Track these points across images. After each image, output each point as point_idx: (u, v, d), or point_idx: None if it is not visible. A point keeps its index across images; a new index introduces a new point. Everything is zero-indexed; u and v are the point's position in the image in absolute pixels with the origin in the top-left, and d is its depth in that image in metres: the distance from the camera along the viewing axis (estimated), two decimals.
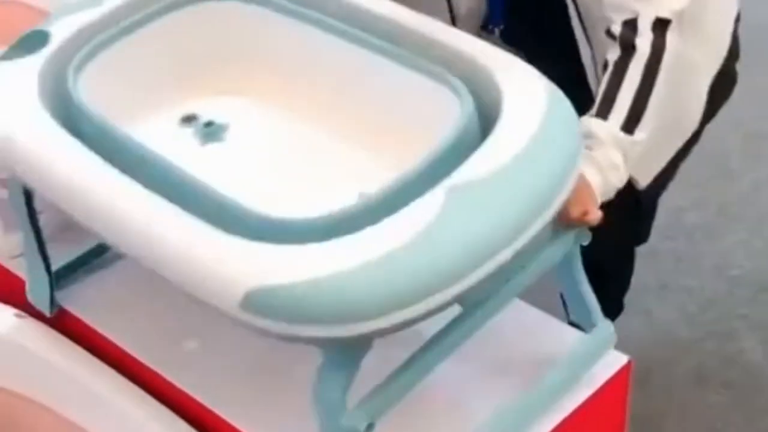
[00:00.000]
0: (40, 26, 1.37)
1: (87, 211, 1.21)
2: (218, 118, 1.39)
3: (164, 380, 1.39)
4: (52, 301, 1.47)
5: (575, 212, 1.27)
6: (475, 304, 1.22)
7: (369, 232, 1.12)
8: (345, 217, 1.13)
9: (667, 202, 1.80)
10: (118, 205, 1.18)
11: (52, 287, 1.46)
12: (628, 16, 1.41)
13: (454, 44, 1.29)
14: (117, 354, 1.44)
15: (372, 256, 1.09)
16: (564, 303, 1.41)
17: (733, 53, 1.65)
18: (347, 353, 1.14)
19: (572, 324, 1.38)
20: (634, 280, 1.89)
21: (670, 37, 1.41)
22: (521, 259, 1.17)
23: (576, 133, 1.20)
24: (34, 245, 1.42)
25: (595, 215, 1.30)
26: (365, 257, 1.09)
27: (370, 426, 1.16)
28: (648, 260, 2.06)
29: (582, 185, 1.28)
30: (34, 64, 1.32)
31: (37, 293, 1.48)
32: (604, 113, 1.39)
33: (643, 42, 1.40)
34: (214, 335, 1.41)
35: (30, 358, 1.46)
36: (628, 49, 1.40)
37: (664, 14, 1.41)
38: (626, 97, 1.39)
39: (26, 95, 1.28)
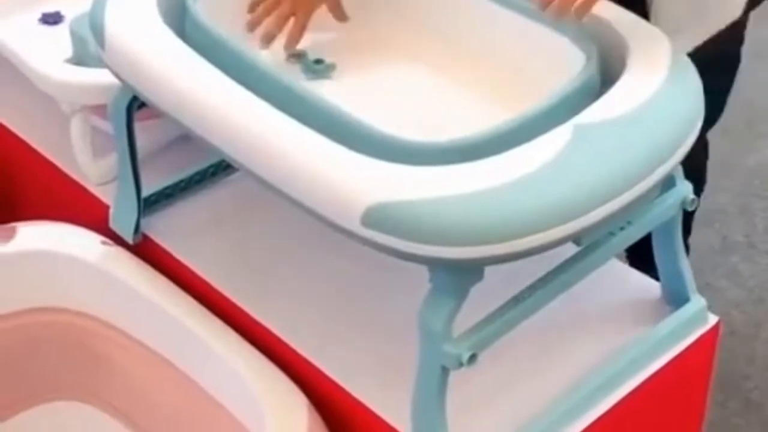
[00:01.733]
0: None
1: (208, 125, 1.21)
2: (327, 57, 1.39)
3: (244, 312, 1.39)
4: (137, 228, 1.47)
5: None
6: (587, 247, 1.21)
7: (494, 160, 1.12)
8: (470, 144, 1.13)
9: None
10: (241, 119, 1.18)
11: (140, 215, 1.46)
12: None
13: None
14: (198, 284, 1.43)
15: (495, 182, 1.09)
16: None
17: None
18: (458, 279, 1.13)
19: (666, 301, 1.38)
20: (718, 238, 1.89)
21: None
22: (633, 210, 1.17)
23: (697, 92, 1.21)
24: (129, 170, 1.42)
25: None
26: (488, 182, 1.09)
27: (473, 357, 1.15)
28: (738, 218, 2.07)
29: None
30: None
31: (122, 220, 1.47)
32: None
33: None
34: (298, 269, 1.42)
35: (114, 285, 1.46)
36: None
37: None
38: None
39: (147, 8, 1.29)
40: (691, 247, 1.73)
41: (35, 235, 1.53)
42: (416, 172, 1.11)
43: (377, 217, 1.09)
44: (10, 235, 1.52)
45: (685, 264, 1.35)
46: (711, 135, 1.67)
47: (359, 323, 1.37)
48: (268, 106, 1.19)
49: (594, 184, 1.10)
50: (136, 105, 1.36)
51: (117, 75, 1.30)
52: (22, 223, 1.55)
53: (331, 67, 1.38)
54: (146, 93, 1.27)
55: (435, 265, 1.12)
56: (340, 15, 1.41)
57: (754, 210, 2.25)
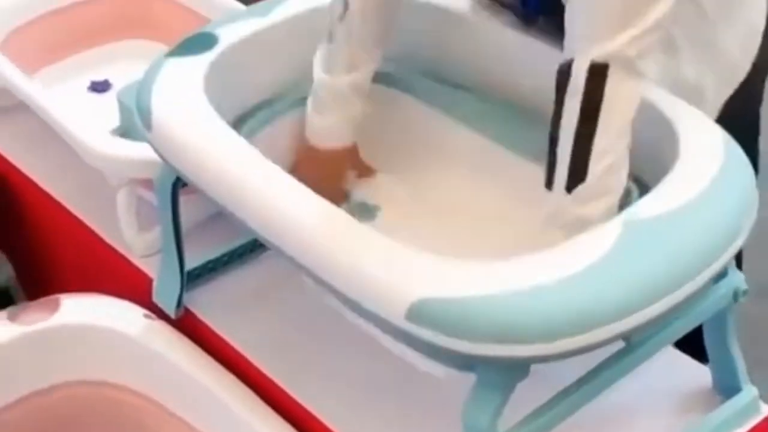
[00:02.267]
0: (207, 28, 1.40)
1: (256, 216, 1.20)
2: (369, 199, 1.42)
3: (282, 391, 1.37)
4: (179, 303, 1.47)
5: None
6: (637, 342, 1.18)
7: (542, 256, 1.10)
8: None
9: None
10: (287, 210, 1.17)
11: (182, 289, 1.46)
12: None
13: None
14: (238, 360, 1.42)
15: (543, 280, 1.07)
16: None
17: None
18: (504, 376, 1.11)
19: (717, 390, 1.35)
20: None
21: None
22: (684, 307, 1.13)
23: (751, 183, 1.18)
24: (173, 246, 1.42)
25: None
26: (536, 280, 1.07)
27: None
28: None
29: None
30: (201, 63, 1.33)
31: (166, 294, 1.47)
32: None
33: None
34: (337, 348, 1.40)
35: (155, 359, 1.46)
36: None
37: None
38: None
39: (194, 92, 1.29)
40: (746, 319, 1.70)
41: (78, 308, 1.53)
42: (463, 267, 1.10)
43: (422, 312, 1.06)
44: (54, 308, 1.52)
45: (737, 353, 1.31)
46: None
47: (399, 405, 1.35)
48: (314, 195, 1.18)
49: (644, 282, 1.08)
50: (180, 183, 1.36)
51: (162, 157, 1.30)
52: (65, 296, 1.55)
53: (377, 208, 1.40)
54: (191, 177, 1.27)
55: (478, 362, 1.10)
56: (367, 172, 1.43)
57: None
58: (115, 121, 1.65)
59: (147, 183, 1.55)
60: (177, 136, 1.26)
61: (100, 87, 1.93)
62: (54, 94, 1.79)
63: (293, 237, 1.17)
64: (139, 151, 1.53)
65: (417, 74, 1.46)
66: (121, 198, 1.59)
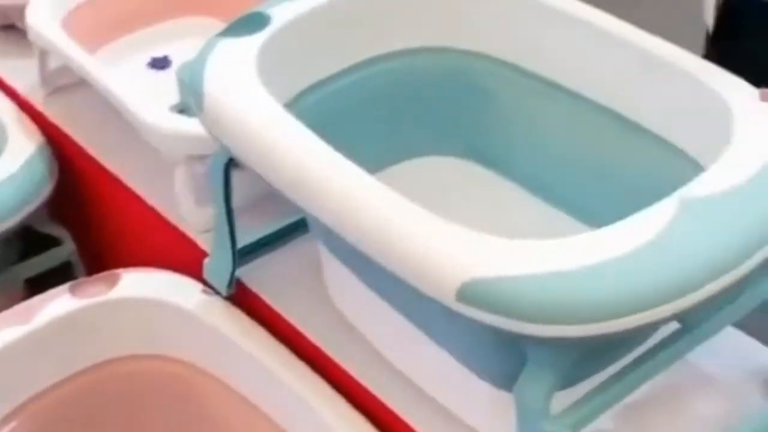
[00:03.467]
0: (260, 8, 1.38)
1: (308, 194, 1.20)
2: None
3: (338, 366, 1.38)
4: (231, 281, 1.48)
5: None
6: (693, 323, 1.17)
7: (594, 235, 1.09)
8: None
9: None
10: (338, 187, 1.17)
11: (234, 267, 1.46)
12: None
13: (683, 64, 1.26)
14: (294, 335, 1.43)
15: (595, 259, 1.05)
16: None
17: None
18: (557, 355, 1.10)
19: None
20: None
21: None
22: (742, 286, 1.10)
23: None
24: (225, 224, 1.42)
25: None
26: (588, 259, 1.05)
27: None
28: None
29: None
30: (254, 43, 1.33)
31: (217, 274, 1.48)
32: None
33: None
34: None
35: (212, 334, 1.47)
36: None
37: None
38: None
39: (246, 73, 1.29)
40: None
41: (137, 282, 1.55)
42: (513, 246, 1.08)
43: (472, 293, 1.06)
44: (114, 282, 1.54)
45: None
46: None
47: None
48: (365, 174, 1.18)
49: (701, 261, 1.06)
50: (233, 163, 1.36)
51: (215, 138, 1.30)
52: (124, 270, 1.57)
53: None
54: (244, 158, 1.27)
55: (530, 342, 1.09)
56: None
57: None
58: (174, 98, 1.64)
59: (204, 159, 1.54)
60: (229, 116, 1.25)
61: (160, 63, 1.94)
62: (114, 72, 1.81)
63: (342, 214, 1.16)
64: (196, 127, 1.51)
65: None
66: (179, 174, 1.60)
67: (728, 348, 1.34)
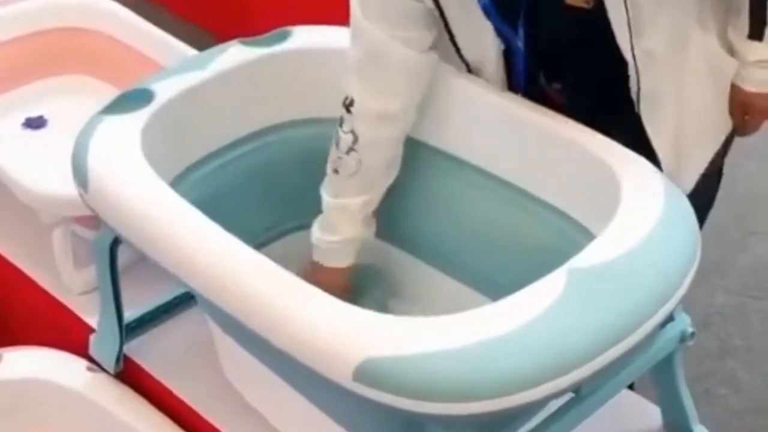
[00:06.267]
0: (143, 84, 1.37)
1: (190, 273, 1.18)
2: None
3: None
4: (119, 357, 1.44)
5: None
6: (587, 392, 1.16)
7: (487, 310, 1.09)
8: None
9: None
10: (229, 268, 1.15)
11: (122, 343, 1.44)
12: None
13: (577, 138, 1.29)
14: (182, 408, 1.40)
15: (487, 335, 1.05)
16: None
17: None
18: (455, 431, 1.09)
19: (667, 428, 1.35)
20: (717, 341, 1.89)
21: None
22: (634, 354, 1.12)
23: (694, 230, 1.18)
24: (111, 302, 1.39)
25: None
26: (480, 336, 1.05)
27: None
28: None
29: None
30: (137, 120, 1.31)
31: (104, 351, 1.45)
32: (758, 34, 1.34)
33: None
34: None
35: (98, 413, 1.43)
36: None
37: None
38: None
39: (130, 152, 1.27)
40: (690, 352, 1.72)
41: (20, 362, 1.50)
42: (408, 324, 1.08)
43: (369, 372, 1.05)
44: None
45: (686, 394, 1.31)
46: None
47: None
48: (257, 253, 1.16)
49: (590, 334, 1.07)
50: (119, 242, 1.33)
51: (100, 218, 1.27)
52: (6, 349, 1.52)
53: None
54: (129, 237, 1.24)
55: (425, 420, 1.08)
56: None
57: (750, 311, 2.21)
58: (49, 159, 1.60)
59: (81, 220, 1.52)
60: (114, 196, 1.24)
61: (35, 123, 1.89)
62: None
63: (234, 296, 1.14)
64: (72, 189, 1.44)
65: None
66: (57, 236, 1.57)
67: (618, 406, 1.32)
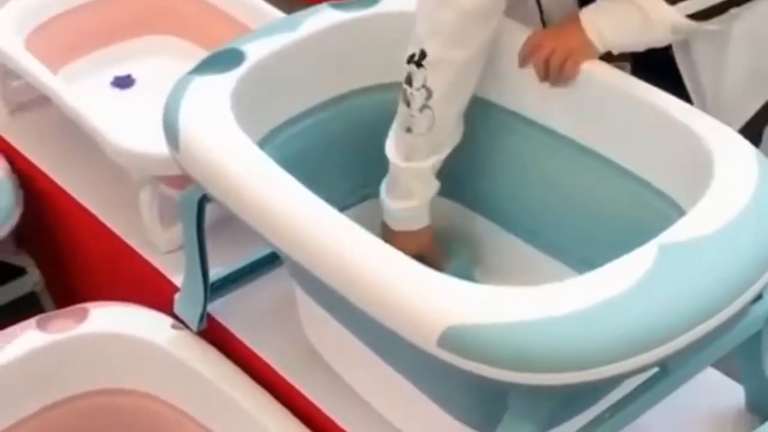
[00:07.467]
0: (234, 44, 1.37)
1: (280, 234, 1.19)
2: None
3: (308, 401, 1.37)
4: (202, 316, 1.46)
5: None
6: (673, 367, 1.16)
7: (576, 282, 1.09)
8: None
9: None
10: (318, 233, 1.16)
11: (206, 303, 1.45)
12: None
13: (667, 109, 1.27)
14: (265, 369, 1.42)
15: (576, 307, 1.05)
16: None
17: None
18: (537, 403, 1.10)
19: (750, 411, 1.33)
20: None
21: None
22: (721, 333, 1.11)
23: None
24: (197, 260, 1.41)
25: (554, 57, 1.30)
26: (569, 307, 1.05)
27: None
28: None
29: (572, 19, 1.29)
30: (228, 81, 1.31)
31: (188, 309, 1.46)
32: None
33: None
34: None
35: (181, 369, 1.45)
36: None
37: None
38: None
39: (221, 112, 1.28)
40: None
41: (106, 317, 1.53)
42: (495, 293, 1.08)
43: (454, 339, 1.05)
44: (83, 317, 1.52)
45: None
46: None
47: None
48: (342, 216, 1.17)
49: (680, 309, 1.06)
50: (207, 200, 1.35)
51: (190, 175, 1.28)
52: (93, 304, 1.55)
53: None
54: (219, 196, 1.25)
55: (510, 389, 1.09)
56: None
57: None
58: (138, 118, 1.63)
59: (169, 180, 1.55)
60: (204, 155, 1.25)
61: (123, 82, 1.93)
62: (77, 90, 1.78)
63: (322, 259, 1.15)
64: (162, 147, 1.47)
65: None
66: (144, 195, 1.59)
67: (701, 385, 1.32)
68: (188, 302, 1.47)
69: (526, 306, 1.06)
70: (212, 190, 1.26)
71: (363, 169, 1.47)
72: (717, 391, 1.36)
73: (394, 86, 1.41)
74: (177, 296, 1.49)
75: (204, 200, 1.35)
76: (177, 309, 1.49)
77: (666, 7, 1.27)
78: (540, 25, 1.44)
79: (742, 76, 1.39)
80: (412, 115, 1.34)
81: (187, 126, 1.26)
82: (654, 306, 1.06)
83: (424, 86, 1.32)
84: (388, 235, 1.40)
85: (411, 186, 1.38)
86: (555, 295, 1.07)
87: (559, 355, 1.04)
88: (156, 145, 1.51)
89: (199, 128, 1.27)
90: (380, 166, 1.42)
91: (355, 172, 1.47)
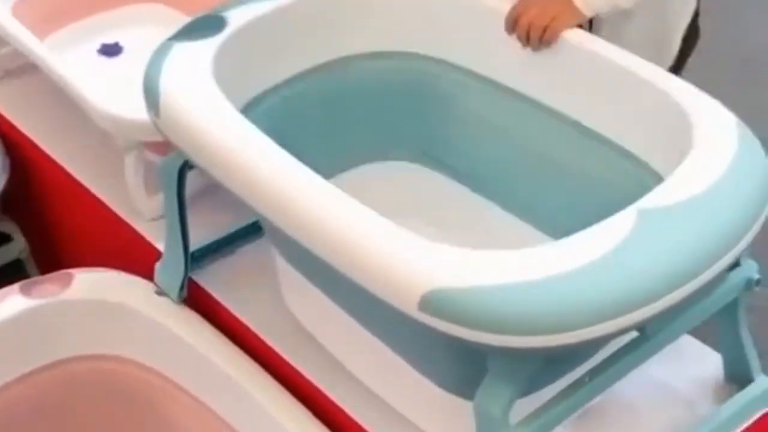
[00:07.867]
0: (216, 10, 1.37)
1: (262, 199, 1.19)
2: None
3: (290, 366, 1.38)
4: (182, 285, 1.46)
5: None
6: (652, 332, 1.17)
7: (555, 246, 1.10)
8: None
9: None
10: (298, 196, 1.16)
11: (186, 272, 1.45)
12: None
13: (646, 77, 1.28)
14: (246, 333, 1.43)
15: (555, 270, 1.05)
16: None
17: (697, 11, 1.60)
18: (516, 366, 1.10)
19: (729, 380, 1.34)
20: None
21: None
22: (699, 297, 1.13)
23: (765, 177, 1.16)
24: (177, 228, 1.41)
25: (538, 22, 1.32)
26: (548, 271, 1.06)
27: None
28: None
29: None
30: (210, 47, 1.31)
31: (169, 276, 1.46)
32: None
33: None
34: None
35: (164, 335, 1.46)
36: None
37: None
38: None
39: (202, 78, 1.27)
40: (756, 309, 1.68)
41: (91, 283, 1.53)
42: (474, 257, 1.08)
43: (435, 303, 1.06)
44: (67, 282, 1.52)
45: (748, 343, 1.30)
46: None
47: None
48: (325, 181, 1.17)
49: (658, 273, 1.06)
50: (187, 166, 1.35)
51: (171, 142, 1.28)
52: (78, 270, 1.55)
53: None
54: (200, 163, 1.25)
55: (490, 352, 1.09)
56: None
57: None
58: (124, 85, 1.60)
59: (154, 147, 1.54)
60: (186, 122, 1.24)
61: (110, 50, 1.92)
62: (65, 58, 1.78)
63: (305, 225, 1.15)
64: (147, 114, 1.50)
65: None
66: (129, 161, 1.59)
67: (679, 353, 1.34)
68: (169, 270, 1.47)
69: (507, 270, 1.06)
70: (193, 156, 1.26)
71: (348, 136, 1.48)
72: (697, 360, 1.37)
73: (380, 55, 1.42)
74: (157, 265, 1.49)
75: (185, 167, 1.35)
76: (157, 278, 1.49)
77: None
78: None
79: (642, 48, 1.40)
80: None
81: (167, 91, 1.26)
82: (632, 269, 1.06)
83: None
84: None
85: None
86: (535, 259, 1.07)
87: (538, 317, 1.04)
88: (141, 111, 1.49)
89: (180, 93, 1.26)
90: (363, 134, 1.44)
91: (337, 140, 1.47)
